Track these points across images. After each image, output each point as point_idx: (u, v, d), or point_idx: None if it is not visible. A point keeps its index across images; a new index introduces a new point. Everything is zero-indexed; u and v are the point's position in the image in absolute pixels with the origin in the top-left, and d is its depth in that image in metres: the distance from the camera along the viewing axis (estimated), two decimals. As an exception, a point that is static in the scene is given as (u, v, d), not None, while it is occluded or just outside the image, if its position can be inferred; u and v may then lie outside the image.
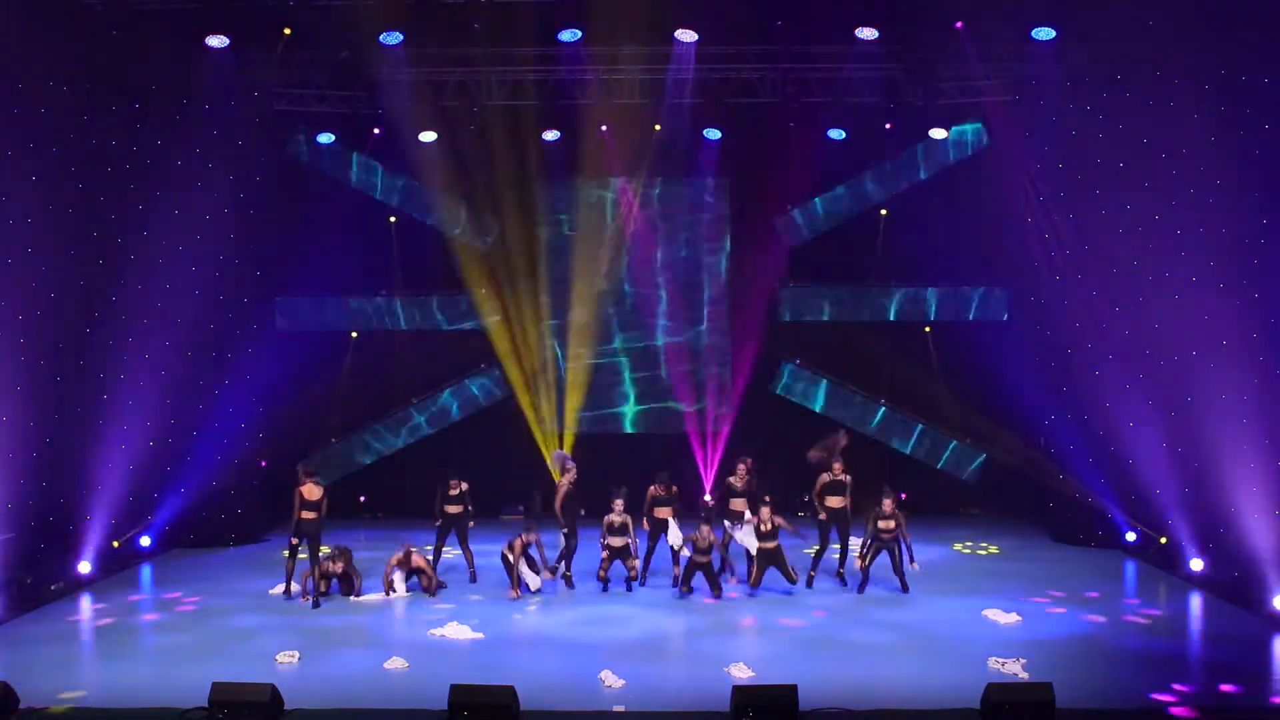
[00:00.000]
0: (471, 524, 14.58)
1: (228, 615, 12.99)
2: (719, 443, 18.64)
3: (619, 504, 13.75)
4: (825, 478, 14.18)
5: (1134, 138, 14.98)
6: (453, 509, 14.39)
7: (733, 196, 19.17)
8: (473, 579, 14.41)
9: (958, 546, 16.58)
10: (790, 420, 18.66)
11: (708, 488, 17.73)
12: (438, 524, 14.49)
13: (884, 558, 13.63)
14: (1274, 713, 9.98)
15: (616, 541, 13.69)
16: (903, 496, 18.92)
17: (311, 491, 13.52)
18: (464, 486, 14.41)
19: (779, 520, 13.38)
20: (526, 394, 19.16)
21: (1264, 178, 13.05)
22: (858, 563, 13.64)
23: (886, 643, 11.80)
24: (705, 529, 13.50)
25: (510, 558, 13.60)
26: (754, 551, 13.55)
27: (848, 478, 14.17)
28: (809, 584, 14.01)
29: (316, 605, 13.27)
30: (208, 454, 16.73)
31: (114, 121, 15.41)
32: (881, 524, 13.43)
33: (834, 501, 14.13)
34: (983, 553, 16.35)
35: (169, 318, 16.17)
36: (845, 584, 14.11)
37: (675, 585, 13.77)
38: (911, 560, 13.63)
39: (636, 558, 13.88)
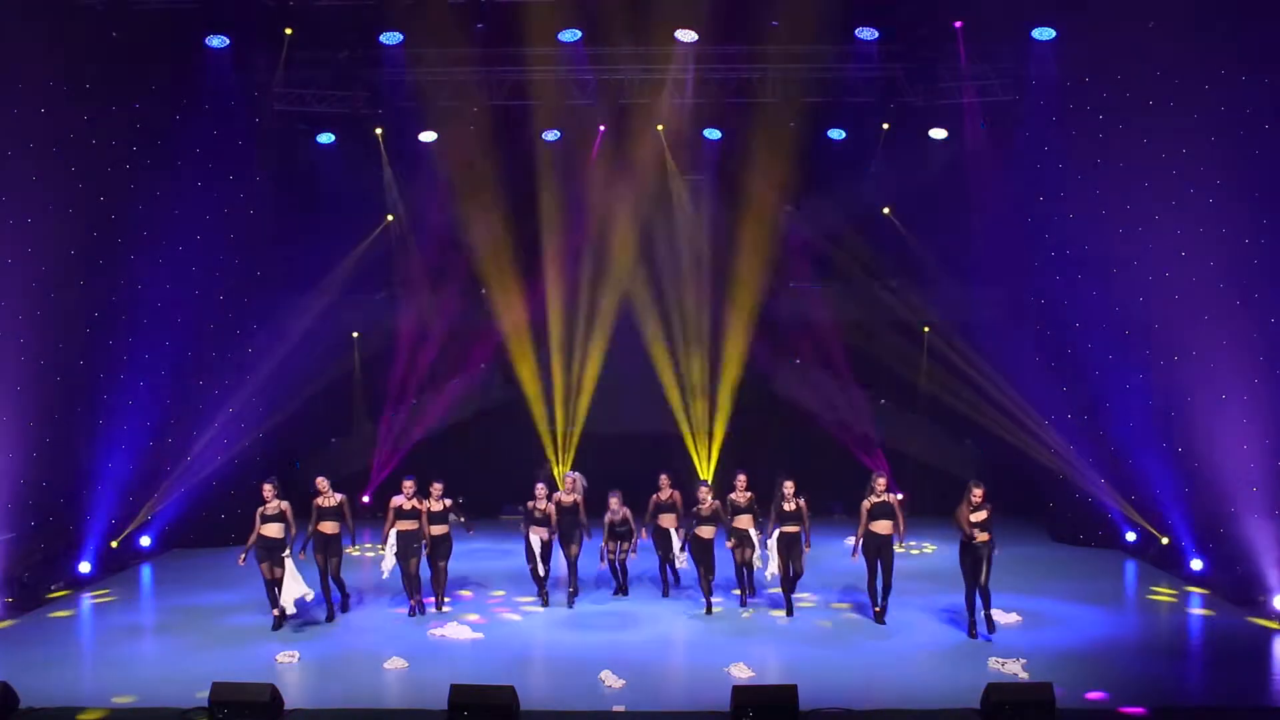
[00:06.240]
0: (472, 531, 14.08)
1: (228, 615, 12.98)
2: (717, 443, 18.65)
3: (615, 501, 13.54)
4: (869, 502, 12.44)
5: (1134, 138, 14.97)
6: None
7: (733, 196, 19.16)
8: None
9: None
10: (789, 421, 18.66)
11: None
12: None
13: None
14: (1274, 713, 9.98)
15: (620, 530, 13.52)
16: (901, 497, 19.08)
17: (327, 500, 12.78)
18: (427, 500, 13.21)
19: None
20: (527, 394, 19.17)
21: (1264, 178, 13.07)
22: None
23: (886, 642, 11.80)
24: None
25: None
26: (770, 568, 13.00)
27: (894, 497, 12.57)
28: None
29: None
30: (208, 454, 16.71)
31: (114, 121, 15.40)
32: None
33: (880, 527, 12.40)
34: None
35: (169, 318, 16.18)
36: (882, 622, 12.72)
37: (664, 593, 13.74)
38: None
39: (634, 552, 13.65)
